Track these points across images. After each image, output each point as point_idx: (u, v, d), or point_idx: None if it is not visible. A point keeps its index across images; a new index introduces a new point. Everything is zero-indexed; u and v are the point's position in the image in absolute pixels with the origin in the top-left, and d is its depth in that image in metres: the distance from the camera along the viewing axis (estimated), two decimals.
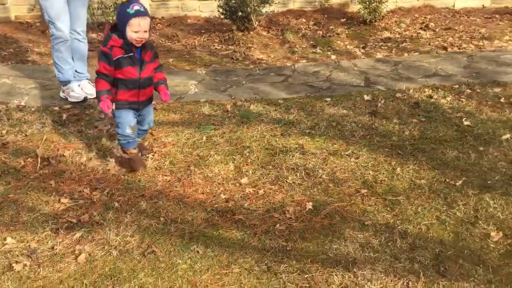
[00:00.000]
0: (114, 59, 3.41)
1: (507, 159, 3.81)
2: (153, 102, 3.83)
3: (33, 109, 4.82)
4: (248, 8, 7.22)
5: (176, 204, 3.40)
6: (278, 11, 8.47)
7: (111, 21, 7.10)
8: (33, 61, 6.48)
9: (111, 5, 7.62)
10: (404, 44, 7.03)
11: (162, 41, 7.52)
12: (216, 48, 7.05)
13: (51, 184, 3.63)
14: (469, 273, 2.74)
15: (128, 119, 3.62)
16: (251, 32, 7.47)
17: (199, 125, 4.43)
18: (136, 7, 3.35)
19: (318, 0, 8.78)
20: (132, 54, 3.45)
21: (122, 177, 3.72)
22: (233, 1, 7.26)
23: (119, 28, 3.42)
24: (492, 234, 3.03)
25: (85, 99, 4.95)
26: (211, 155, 3.96)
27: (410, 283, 2.68)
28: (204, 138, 4.22)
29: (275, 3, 7.84)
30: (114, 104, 3.53)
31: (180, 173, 3.74)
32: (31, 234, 3.10)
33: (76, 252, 2.96)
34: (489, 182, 3.53)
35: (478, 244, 2.96)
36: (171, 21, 8.42)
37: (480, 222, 3.13)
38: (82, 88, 5.01)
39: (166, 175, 3.73)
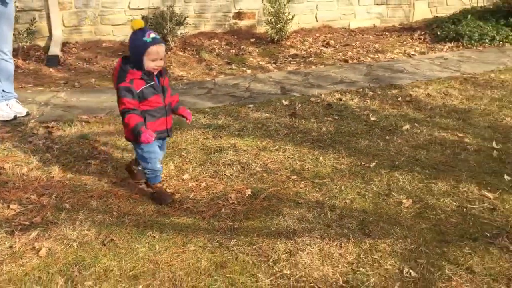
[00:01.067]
0: (138, 91, 3.28)
1: (409, 144, 4.48)
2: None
3: None
4: (165, 30, 7.58)
5: (125, 200, 3.65)
6: (191, 33, 8.90)
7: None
8: None
9: (24, 31, 7.62)
10: (310, 58, 7.74)
11: (80, 63, 7.63)
12: None
13: None
14: (389, 232, 3.27)
15: (158, 152, 3.56)
16: (169, 52, 7.81)
17: None
18: (152, 35, 3.25)
19: (228, 23, 9.32)
20: (153, 83, 3.35)
21: (68, 182, 3.89)
22: (149, 24, 7.59)
23: (133, 59, 3.29)
24: (404, 201, 3.61)
25: (15, 117, 5.02)
26: None
27: (342, 243, 3.15)
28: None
29: (188, 25, 8.27)
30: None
31: (124, 174, 3.98)
32: None
33: (36, 248, 3.11)
34: (396, 163, 4.15)
35: (393, 210, 3.52)
36: (85, 46, 8.53)
37: (393, 193, 3.71)
38: (11, 107, 5.08)
39: (111, 177, 3.95)
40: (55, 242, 3.17)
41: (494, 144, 4.44)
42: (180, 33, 8.09)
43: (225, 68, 7.34)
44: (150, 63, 3.25)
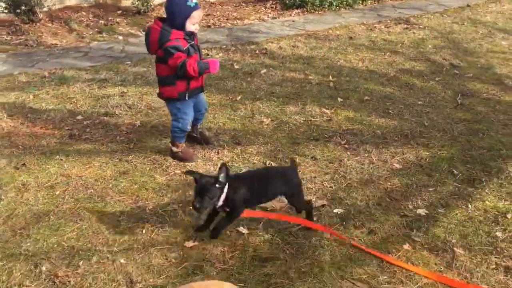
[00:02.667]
0: (185, 48, 3.47)
1: (266, 83, 5.46)
2: None
3: None
4: (32, 1, 7.76)
5: (28, 137, 4.13)
6: (57, 7, 9.07)
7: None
8: None
9: None
10: None
11: None
12: (6, 39, 7.42)
13: None
14: (254, 141, 4.19)
15: (191, 114, 3.76)
16: (38, 24, 7.99)
17: (23, 88, 5.09)
18: (195, 0, 3.46)
19: None
20: (193, 42, 3.55)
21: None
22: None
23: (175, 21, 3.46)
24: (264, 120, 4.56)
25: None
26: (42, 106, 4.71)
27: (219, 151, 4.00)
28: (31, 96, 4.92)
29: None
30: (187, 94, 3.62)
31: (20, 119, 4.43)
32: None
33: None
34: (257, 96, 5.09)
35: (257, 126, 4.45)
36: None
37: (256, 115, 4.64)
38: None
39: (8, 123, 4.38)
40: None
41: (330, 78, 5.60)
42: (47, 6, 8.28)
43: (97, 36, 7.76)
44: (191, 26, 3.50)
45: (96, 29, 8.13)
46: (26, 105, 4.73)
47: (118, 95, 5.02)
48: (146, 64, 6.00)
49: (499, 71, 6.02)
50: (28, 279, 2.63)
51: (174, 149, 3.84)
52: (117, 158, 3.84)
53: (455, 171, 3.78)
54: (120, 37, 7.56)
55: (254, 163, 3.84)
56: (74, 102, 4.83)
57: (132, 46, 6.89)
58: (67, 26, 8.15)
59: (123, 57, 6.37)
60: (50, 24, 8.18)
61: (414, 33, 7.59)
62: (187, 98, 3.64)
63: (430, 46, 6.95)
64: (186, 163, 3.80)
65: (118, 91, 5.11)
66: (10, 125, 4.33)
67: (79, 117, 4.53)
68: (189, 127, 3.81)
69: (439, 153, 4.06)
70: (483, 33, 7.65)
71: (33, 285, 2.59)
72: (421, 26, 7.98)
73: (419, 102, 5.05)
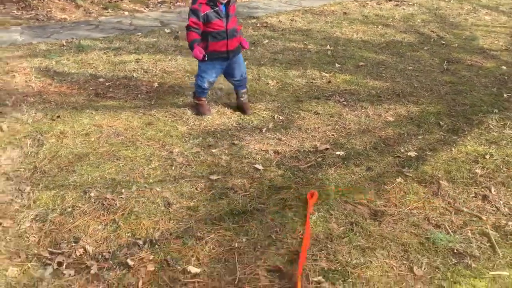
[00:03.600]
0: (203, 14, 3.81)
1: (269, 51, 5.92)
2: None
3: None
4: None
5: (58, 95, 4.57)
6: None
7: None
8: None
9: None
10: (178, 3, 8.84)
11: None
12: (17, 14, 7.79)
13: None
14: (262, 99, 4.65)
15: (211, 76, 4.11)
16: (45, 0, 8.36)
17: (45, 55, 5.50)
18: None
19: None
20: (217, 8, 3.84)
21: None
22: None
23: None
24: (270, 82, 5.03)
25: None
26: (65, 70, 5.14)
27: (232, 107, 4.45)
28: (54, 62, 5.34)
29: None
30: (206, 55, 3.92)
31: (48, 80, 4.85)
32: None
33: None
34: (262, 62, 5.56)
35: (264, 87, 4.92)
36: None
37: (262, 78, 5.11)
38: None
39: (37, 83, 4.80)
40: (11, 122, 4.04)
41: (328, 47, 6.08)
42: None
43: (103, 12, 8.14)
44: None
45: (101, 6, 8.50)
46: (50, 69, 5.14)
47: (134, 61, 5.45)
48: (156, 35, 6.42)
49: (482, 42, 6.54)
50: (79, 202, 3.09)
51: (195, 102, 4.29)
52: (141, 112, 4.29)
53: (441, 123, 4.29)
54: (126, 13, 7.95)
55: (263, 117, 4.31)
56: (94, 67, 5.25)
57: (140, 21, 7.29)
58: (73, 2, 8.50)
59: (132, 29, 6.78)
60: (57, 0, 8.53)
61: (404, 9, 8.08)
62: (206, 59, 3.99)
63: (419, 20, 7.45)
64: (203, 116, 4.25)
65: (133, 58, 5.54)
66: (39, 86, 4.75)
67: (101, 79, 4.96)
68: (206, 85, 4.19)
69: (427, 108, 4.56)
70: (468, 9, 8.17)
71: (85, 206, 3.05)
72: (410, 3, 8.47)
73: (409, 68, 5.55)
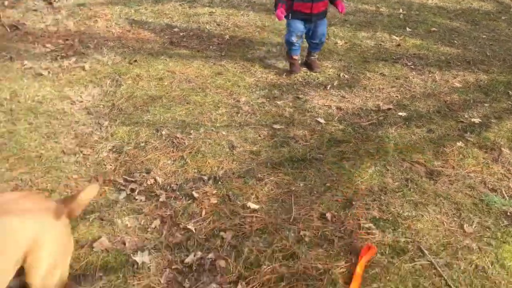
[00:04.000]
0: None
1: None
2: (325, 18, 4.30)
3: None
4: None
5: (135, 41, 4.83)
6: None
7: None
8: None
9: None
10: None
11: None
12: None
13: (29, 38, 4.76)
14: (329, 57, 4.71)
15: (297, 28, 4.13)
16: None
17: (125, 4, 5.78)
18: None
19: None
20: None
21: (83, 32, 4.98)
22: None
23: None
24: (338, 42, 5.07)
25: None
26: (143, 19, 5.39)
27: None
28: (133, 10, 5.61)
29: None
30: (290, 14, 4.05)
31: (127, 27, 5.13)
32: (38, 61, 4.30)
33: (80, 66, 4.27)
34: (332, 22, 5.58)
35: (332, 46, 4.97)
36: None
37: (331, 38, 5.15)
38: None
39: (117, 29, 5.09)
40: (93, 63, 4.34)
41: (401, 11, 5.99)
42: None
43: None
44: None
45: None
46: (129, 17, 5.42)
47: (207, 14, 5.63)
48: None
49: None
50: (152, 138, 3.35)
51: (289, 60, 4.40)
52: (212, 62, 4.49)
53: (510, 92, 4.22)
54: None
55: (329, 74, 4.39)
56: (169, 17, 5.48)
57: None
58: None
59: None
60: None
61: None
62: (289, 18, 4.11)
63: None
64: (292, 74, 4.34)
65: (207, 11, 5.72)
66: (119, 31, 5.04)
67: (176, 29, 5.18)
68: (294, 39, 4.17)
69: (497, 77, 4.48)
70: None
71: (156, 143, 3.30)
72: None
73: (483, 36, 5.41)
